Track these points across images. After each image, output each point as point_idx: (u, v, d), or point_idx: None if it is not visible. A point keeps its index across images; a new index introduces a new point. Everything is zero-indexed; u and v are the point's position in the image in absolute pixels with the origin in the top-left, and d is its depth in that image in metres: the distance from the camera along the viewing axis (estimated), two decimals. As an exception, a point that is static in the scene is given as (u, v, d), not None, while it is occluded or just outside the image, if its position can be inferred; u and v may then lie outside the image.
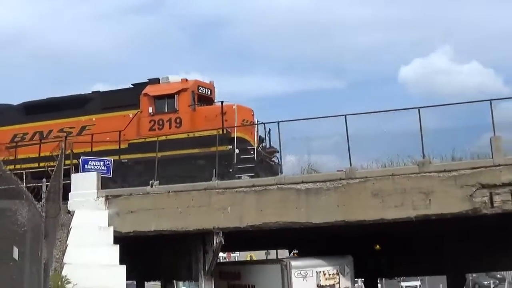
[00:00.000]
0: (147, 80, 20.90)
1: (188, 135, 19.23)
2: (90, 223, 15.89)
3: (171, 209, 15.94)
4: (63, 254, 14.33)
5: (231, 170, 17.96)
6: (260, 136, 19.84)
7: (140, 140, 19.70)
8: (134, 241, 16.23)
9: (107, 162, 17.26)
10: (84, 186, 16.68)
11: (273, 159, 20.00)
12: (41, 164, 18.72)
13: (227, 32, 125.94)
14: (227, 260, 37.34)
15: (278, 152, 19.05)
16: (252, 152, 18.70)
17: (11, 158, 19.73)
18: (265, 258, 34.82)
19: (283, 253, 30.55)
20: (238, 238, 16.99)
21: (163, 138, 18.72)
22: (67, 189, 16.51)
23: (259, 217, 15.44)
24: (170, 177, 17.00)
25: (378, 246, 19.76)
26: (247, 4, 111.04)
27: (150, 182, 16.50)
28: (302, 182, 15.39)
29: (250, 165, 18.31)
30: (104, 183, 17.17)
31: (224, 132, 18.76)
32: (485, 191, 14.67)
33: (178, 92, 19.98)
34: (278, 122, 16.98)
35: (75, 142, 18.97)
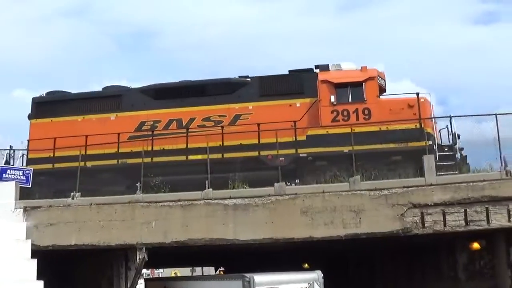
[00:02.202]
0: (313, 67, 19.08)
1: (380, 128, 17.70)
2: (6, 236, 14.96)
3: (93, 222, 15.10)
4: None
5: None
6: (455, 132, 17.81)
7: (321, 132, 17.92)
8: (54, 255, 15.39)
9: (27, 172, 16.34)
10: (1, 196, 15.70)
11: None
12: (190, 158, 17.56)
13: (156, 41, 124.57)
14: (151, 276, 35.82)
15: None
16: (447, 149, 17.44)
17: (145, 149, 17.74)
18: (190, 275, 33.72)
19: (209, 270, 29.86)
20: (163, 254, 16.29)
21: (349, 130, 16.90)
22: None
23: (184, 233, 14.77)
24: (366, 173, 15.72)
25: (307, 265, 19.29)
26: (175, 16, 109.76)
27: (72, 193, 15.69)
28: (230, 197, 14.84)
29: (451, 163, 16.88)
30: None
31: (420, 126, 17.36)
32: (417, 211, 14.50)
33: (366, 81, 18.24)
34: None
35: (232, 132, 17.67)
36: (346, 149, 16.69)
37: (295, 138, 17.81)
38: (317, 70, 18.93)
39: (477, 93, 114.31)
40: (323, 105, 18.12)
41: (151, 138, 18.45)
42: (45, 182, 18.07)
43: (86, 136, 18.26)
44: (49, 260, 15.03)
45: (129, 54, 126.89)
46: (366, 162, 16.32)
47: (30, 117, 20.24)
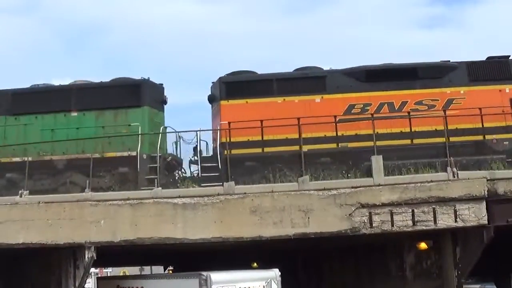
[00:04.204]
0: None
1: None
2: (-48, 235, 14.69)
3: (41, 221, 14.83)
4: None
5: None
6: None
7: None
8: (2, 254, 15.15)
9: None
10: None
11: None
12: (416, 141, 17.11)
13: (104, 39, 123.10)
14: (100, 275, 35.39)
15: None
16: None
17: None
18: (139, 273, 33.39)
19: (158, 270, 29.67)
20: (112, 253, 16.16)
21: None
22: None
23: (133, 232, 14.63)
24: None
25: (256, 264, 19.35)
26: (124, 13, 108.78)
27: (20, 191, 15.47)
28: (179, 196, 14.79)
29: None
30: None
31: None
32: (365, 210, 14.64)
33: None
34: None
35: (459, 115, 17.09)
36: None
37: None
38: None
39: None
40: None
41: (362, 120, 17.85)
42: (253, 168, 17.26)
43: (299, 119, 17.14)
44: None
45: (75, 51, 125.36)
46: None
47: (217, 98, 18.93)
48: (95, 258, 14.83)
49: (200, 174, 17.09)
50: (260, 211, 14.50)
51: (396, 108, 18.27)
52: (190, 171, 18.60)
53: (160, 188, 15.28)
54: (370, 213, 14.58)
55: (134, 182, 17.12)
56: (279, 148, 17.46)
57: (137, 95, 18.56)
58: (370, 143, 16.32)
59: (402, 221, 14.59)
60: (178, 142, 18.79)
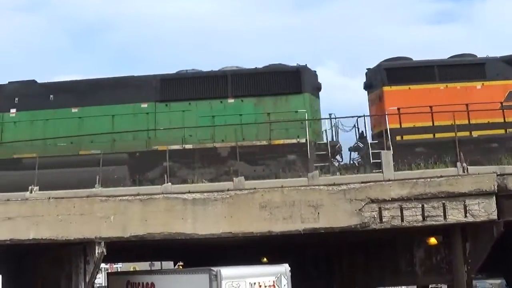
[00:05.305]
0: None
1: None
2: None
3: (51, 216, 14.87)
4: None
5: None
6: None
7: None
8: (13, 249, 15.20)
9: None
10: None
11: None
12: None
13: (111, 36, 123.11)
14: (110, 271, 35.40)
15: None
16: None
17: None
18: (149, 269, 33.24)
19: (168, 265, 29.66)
20: (122, 249, 16.19)
21: None
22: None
23: (143, 227, 14.67)
24: None
25: (265, 259, 19.33)
26: (131, 10, 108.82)
27: (30, 187, 15.51)
28: (189, 192, 14.80)
29: None
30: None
31: None
32: (375, 205, 14.62)
33: None
34: None
35: None
36: None
37: None
38: None
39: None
40: None
41: None
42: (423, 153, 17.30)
43: (467, 105, 17.53)
44: (6, 255, 14.91)
45: (83, 48, 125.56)
46: None
47: (379, 84, 18.88)
48: (105, 254, 14.89)
49: (371, 159, 16.68)
50: (270, 207, 14.50)
51: None
52: (350, 159, 18.66)
53: (170, 183, 15.27)
54: (380, 208, 14.57)
55: (303, 169, 16.84)
56: (445, 134, 17.49)
57: (297, 82, 18.45)
58: None
59: (412, 216, 14.58)
60: (336, 130, 18.56)
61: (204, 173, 17.24)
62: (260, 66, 19.20)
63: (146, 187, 15.32)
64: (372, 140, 17.97)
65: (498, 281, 21.36)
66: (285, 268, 15.24)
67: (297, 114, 17.74)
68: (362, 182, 14.67)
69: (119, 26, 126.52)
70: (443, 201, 14.56)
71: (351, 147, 18.63)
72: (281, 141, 17.65)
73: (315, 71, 19.09)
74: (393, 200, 14.57)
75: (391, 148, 16.81)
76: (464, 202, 14.56)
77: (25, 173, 16.63)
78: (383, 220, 14.56)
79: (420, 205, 14.56)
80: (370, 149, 16.92)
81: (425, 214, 14.53)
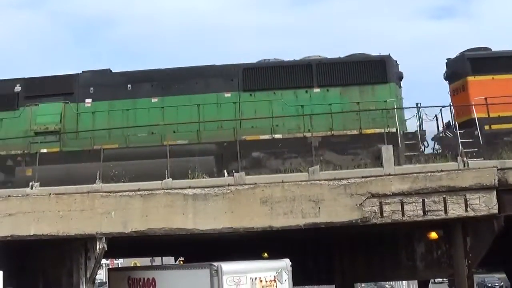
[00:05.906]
0: None
1: None
2: (-36, 226, 14.75)
3: (52, 212, 14.91)
4: None
5: None
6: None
7: None
8: (14, 245, 15.21)
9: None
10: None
11: None
12: None
13: (111, 32, 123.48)
14: (111, 266, 35.40)
15: None
16: None
17: None
18: (150, 264, 33.26)
19: (169, 261, 29.64)
20: (123, 244, 16.20)
21: None
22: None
23: (144, 222, 14.70)
24: None
25: (266, 254, 19.33)
26: (132, 5, 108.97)
27: (30, 183, 15.51)
28: (190, 187, 14.80)
29: None
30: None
31: None
32: (375, 200, 14.62)
33: None
34: None
35: None
36: None
37: None
38: None
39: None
40: None
41: None
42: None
43: None
44: (8, 251, 14.90)
45: (84, 43, 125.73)
46: None
47: (462, 74, 18.82)
48: (106, 249, 14.93)
49: (461, 148, 16.25)
50: (271, 202, 14.52)
51: None
52: (433, 148, 18.63)
53: (170, 179, 15.27)
54: (380, 202, 14.57)
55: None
56: None
57: (383, 71, 18.41)
58: None
59: (413, 210, 14.57)
60: (420, 119, 18.31)
61: (293, 163, 17.10)
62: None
63: (146, 183, 15.28)
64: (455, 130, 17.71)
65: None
66: (286, 263, 15.22)
67: (385, 103, 17.72)
68: (362, 177, 14.68)
69: (119, 22, 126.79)
70: (444, 196, 14.55)
71: (436, 135, 18.72)
72: (372, 131, 17.56)
73: (397, 61, 19.03)
74: (394, 194, 14.57)
75: (480, 137, 16.91)
76: (465, 197, 14.54)
77: (106, 164, 16.41)
78: (384, 214, 14.56)
79: (421, 200, 14.55)
80: (459, 138, 16.57)
81: (426, 209, 14.53)
